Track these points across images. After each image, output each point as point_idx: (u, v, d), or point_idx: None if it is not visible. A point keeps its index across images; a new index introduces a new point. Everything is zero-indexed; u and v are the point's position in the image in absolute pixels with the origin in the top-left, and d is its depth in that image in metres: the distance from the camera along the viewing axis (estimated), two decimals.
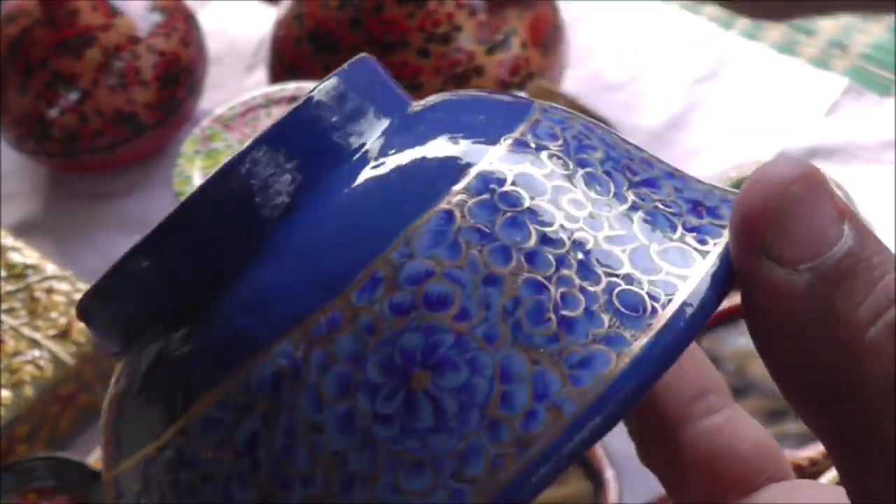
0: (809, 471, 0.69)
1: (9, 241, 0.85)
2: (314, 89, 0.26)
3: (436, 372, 0.22)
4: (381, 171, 0.25)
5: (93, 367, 0.79)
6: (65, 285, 0.82)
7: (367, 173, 0.25)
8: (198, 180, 0.77)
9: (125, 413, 0.25)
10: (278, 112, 0.80)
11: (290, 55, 0.88)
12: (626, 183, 0.25)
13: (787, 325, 0.23)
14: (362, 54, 0.27)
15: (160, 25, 0.94)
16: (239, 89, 1.00)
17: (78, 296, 0.81)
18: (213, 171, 0.25)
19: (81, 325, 0.79)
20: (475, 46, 0.85)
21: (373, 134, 0.26)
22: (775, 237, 0.23)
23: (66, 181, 0.99)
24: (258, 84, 1.00)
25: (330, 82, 0.26)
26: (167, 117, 0.95)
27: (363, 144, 0.25)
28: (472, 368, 0.22)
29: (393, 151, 0.25)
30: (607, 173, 0.25)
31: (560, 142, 0.25)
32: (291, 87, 0.82)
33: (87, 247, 0.93)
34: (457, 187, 0.24)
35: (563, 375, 0.22)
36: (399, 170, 0.25)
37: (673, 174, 0.26)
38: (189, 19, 0.97)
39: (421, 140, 0.25)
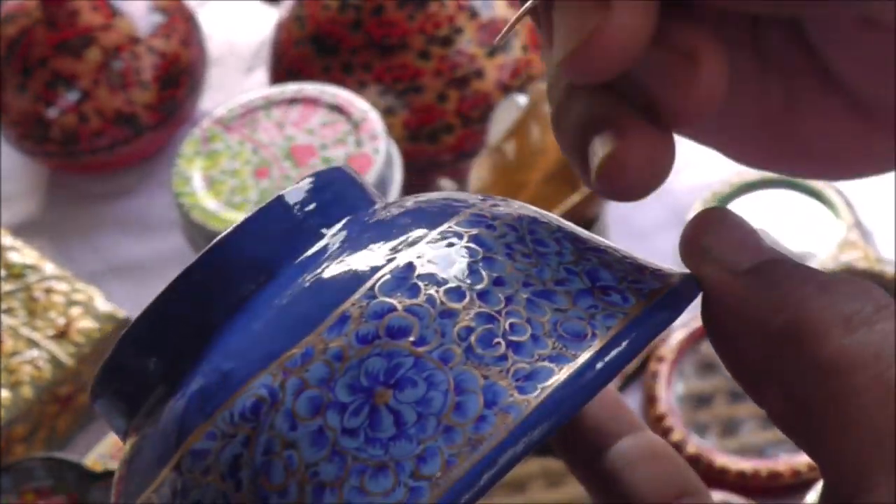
0: (807, 476, 0.69)
1: (7, 240, 0.85)
2: (302, 180, 0.30)
3: (397, 388, 0.25)
4: (352, 241, 0.28)
5: (91, 367, 0.79)
6: (63, 285, 0.82)
7: (338, 244, 0.29)
8: (197, 181, 0.77)
9: (129, 472, 0.28)
10: (278, 113, 0.80)
11: (290, 57, 0.88)
12: (573, 247, 0.29)
13: (731, 307, 0.27)
14: (339, 165, 0.32)
15: (160, 26, 0.94)
16: (239, 90, 1.00)
17: (77, 296, 0.81)
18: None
19: (80, 325, 0.79)
20: (476, 49, 0.85)
21: (342, 220, 0.30)
22: (713, 243, 0.28)
23: (65, 181, 0.99)
24: (258, 85, 1.00)
25: (305, 182, 0.30)
26: (167, 118, 0.95)
27: (332, 226, 0.29)
28: (429, 384, 0.25)
29: (362, 229, 0.29)
30: (556, 240, 0.29)
31: (515, 215, 0.29)
32: (291, 88, 0.82)
33: (85, 247, 0.93)
34: (418, 246, 0.27)
35: (511, 386, 0.25)
36: (368, 238, 0.28)
37: (620, 250, 0.30)
38: (189, 20, 0.97)
39: (391, 215, 0.29)
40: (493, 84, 0.85)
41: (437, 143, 0.85)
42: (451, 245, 0.28)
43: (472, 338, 0.26)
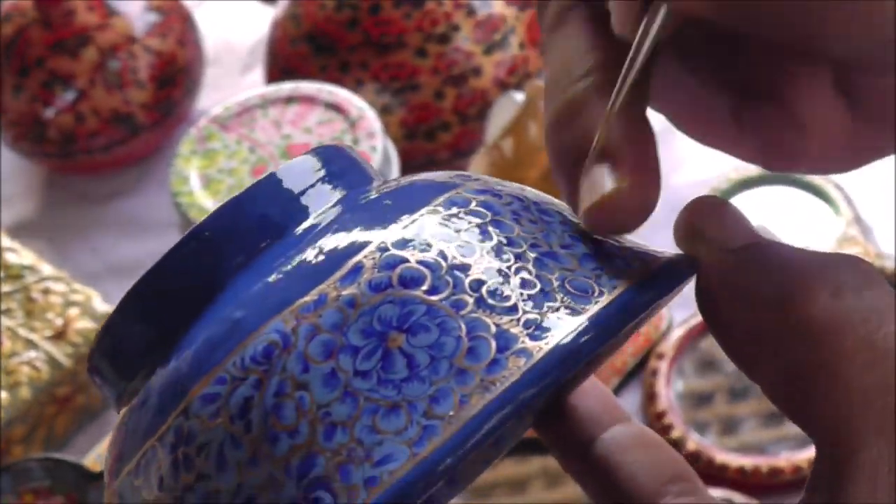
0: (809, 472, 0.69)
1: (5, 241, 0.85)
2: (309, 151, 0.31)
3: (409, 333, 0.26)
4: (363, 205, 0.29)
5: None
6: (61, 286, 0.82)
7: (348, 207, 0.29)
8: (195, 181, 0.77)
9: (129, 425, 0.28)
10: (274, 112, 0.80)
11: (286, 55, 0.88)
12: (575, 220, 0.29)
13: (723, 282, 0.28)
14: (337, 144, 0.32)
15: (156, 25, 0.94)
16: (236, 89, 1.00)
17: (75, 297, 0.81)
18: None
19: (78, 325, 0.79)
20: (473, 46, 0.85)
21: (349, 188, 0.30)
22: (705, 227, 0.29)
23: (62, 182, 0.99)
24: (255, 84, 1.00)
25: (308, 155, 0.31)
26: (163, 118, 0.94)
27: (342, 192, 0.30)
28: (442, 330, 0.26)
29: (372, 196, 0.30)
30: (559, 213, 0.29)
31: (519, 189, 0.30)
32: (288, 87, 0.81)
33: (83, 247, 0.93)
34: (429, 206, 0.28)
35: (523, 334, 0.26)
36: (379, 203, 0.29)
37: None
38: (186, 19, 0.97)
39: (400, 185, 0.30)
40: (491, 81, 0.84)
41: (434, 141, 0.84)
42: (460, 207, 0.28)
43: (484, 289, 0.26)
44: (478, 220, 0.28)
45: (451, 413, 0.25)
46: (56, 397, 0.78)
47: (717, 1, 0.25)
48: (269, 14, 0.95)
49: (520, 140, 0.78)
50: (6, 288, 0.82)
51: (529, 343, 0.26)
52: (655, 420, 0.72)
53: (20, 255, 0.84)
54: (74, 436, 0.80)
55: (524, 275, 0.27)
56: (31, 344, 0.78)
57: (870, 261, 0.76)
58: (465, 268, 0.27)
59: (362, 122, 0.77)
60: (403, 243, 0.27)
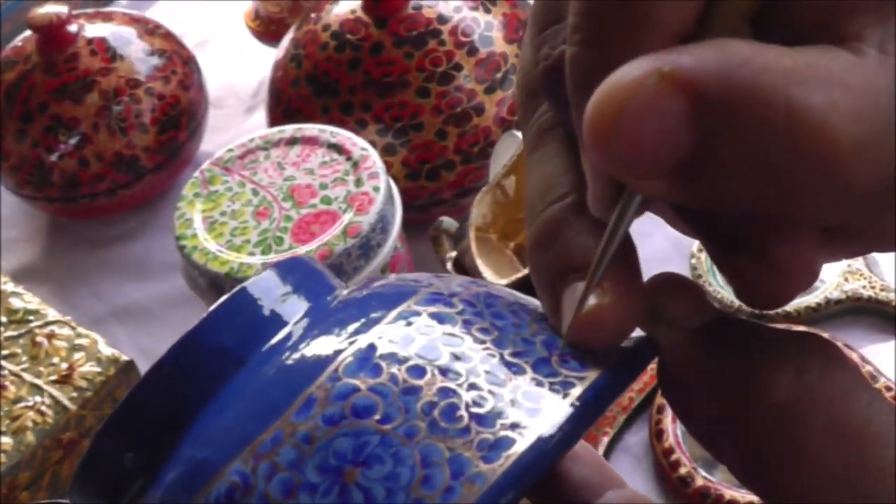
0: None
1: (9, 286, 0.85)
2: (254, 277, 0.31)
3: (365, 466, 0.26)
4: (316, 327, 0.30)
5: (95, 412, 0.78)
6: (66, 330, 0.81)
7: (302, 330, 0.30)
8: (198, 223, 0.77)
9: None
10: (277, 153, 0.80)
11: (288, 97, 0.88)
12: (530, 319, 0.29)
13: (684, 364, 0.28)
14: (298, 255, 0.33)
15: (159, 69, 0.94)
16: (239, 131, 1.00)
17: (79, 341, 0.80)
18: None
19: (83, 370, 0.78)
20: (474, 85, 0.85)
21: (304, 308, 0.31)
22: (665, 306, 0.29)
23: (66, 226, 0.99)
24: (258, 126, 1.00)
25: (267, 273, 0.31)
26: (167, 161, 0.95)
27: (296, 313, 0.31)
28: (396, 460, 0.26)
29: (325, 315, 0.30)
30: (514, 312, 0.30)
31: (472, 291, 0.30)
32: (290, 128, 0.81)
33: (87, 292, 0.93)
34: (378, 326, 0.29)
35: (476, 457, 0.26)
36: (331, 323, 0.29)
37: None
38: (188, 62, 0.97)
39: (352, 300, 0.31)
40: (493, 120, 0.85)
41: (437, 180, 0.84)
42: (410, 324, 0.29)
43: (436, 412, 0.27)
44: (428, 337, 0.28)
45: None
46: (61, 443, 0.78)
47: (686, 193, 0.24)
48: (271, 56, 0.95)
49: (522, 179, 0.78)
50: (11, 333, 0.81)
51: (483, 466, 0.26)
52: (663, 457, 0.72)
53: (24, 299, 0.84)
54: None
55: (476, 391, 0.27)
56: (36, 389, 0.78)
57: (875, 294, 0.76)
58: (416, 390, 0.27)
59: (365, 162, 0.77)
60: (355, 369, 0.27)
